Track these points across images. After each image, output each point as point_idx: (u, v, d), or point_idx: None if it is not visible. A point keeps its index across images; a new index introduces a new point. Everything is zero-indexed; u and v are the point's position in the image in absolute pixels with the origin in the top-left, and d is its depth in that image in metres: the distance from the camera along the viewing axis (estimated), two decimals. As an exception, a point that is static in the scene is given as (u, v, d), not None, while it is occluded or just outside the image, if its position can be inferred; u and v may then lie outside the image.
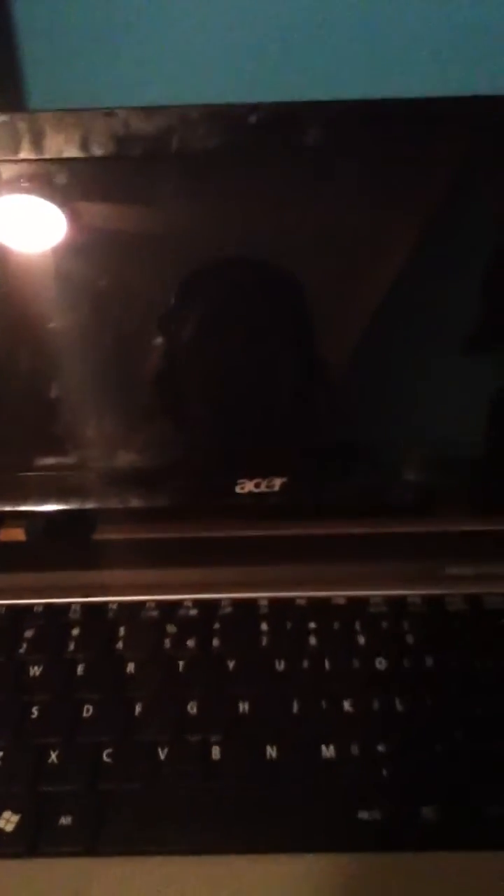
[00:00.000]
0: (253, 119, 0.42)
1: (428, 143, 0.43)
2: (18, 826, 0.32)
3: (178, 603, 0.41)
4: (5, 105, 0.53)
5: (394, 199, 0.44)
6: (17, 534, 0.46)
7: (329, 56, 0.52)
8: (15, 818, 0.32)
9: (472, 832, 0.32)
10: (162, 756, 0.35)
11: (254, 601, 0.42)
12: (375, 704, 0.37)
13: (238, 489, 0.45)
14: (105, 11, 0.51)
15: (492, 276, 0.44)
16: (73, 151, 0.42)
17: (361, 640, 0.40)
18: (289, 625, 0.41)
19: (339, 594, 0.42)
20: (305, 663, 0.39)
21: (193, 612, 0.41)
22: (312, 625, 0.40)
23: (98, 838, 0.32)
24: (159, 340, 0.45)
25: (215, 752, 0.35)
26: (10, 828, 0.32)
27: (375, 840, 0.32)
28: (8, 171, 0.43)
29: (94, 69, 0.52)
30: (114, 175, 0.43)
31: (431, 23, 0.50)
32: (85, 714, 0.36)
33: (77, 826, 0.32)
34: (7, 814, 0.32)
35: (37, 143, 0.42)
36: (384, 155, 0.43)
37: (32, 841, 0.32)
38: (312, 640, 0.40)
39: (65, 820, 0.32)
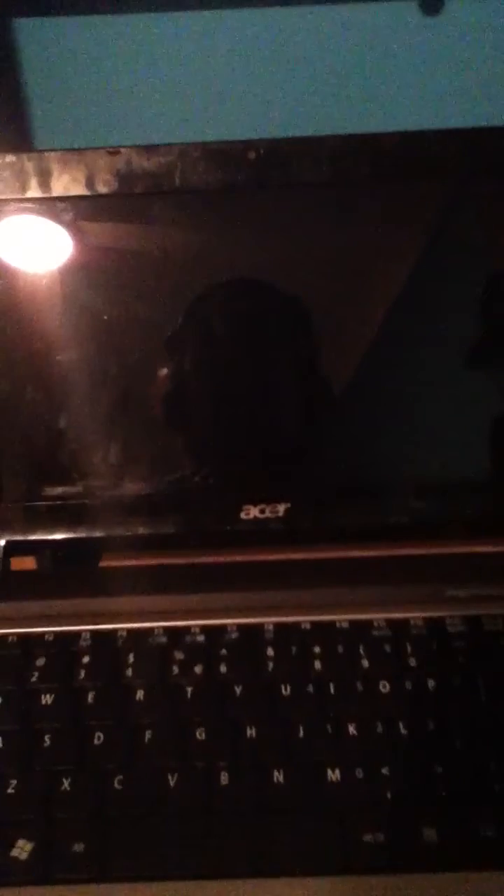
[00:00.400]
0: (251, 155, 0.43)
1: (425, 174, 0.44)
2: (32, 854, 0.33)
3: (186, 629, 0.42)
4: (11, 143, 0.54)
5: (392, 230, 0.45)
6: (28, 563, 0.47)
7: (328, 92, 0.53)
8: (29, 846, 0.33)
9: (470, 853, 0.33)
10: (171, 782, 0.35)
11: (259, 626, 0.42)
12: (379, 727, 0.37)
13: (243, 515, 0.46)
14: (108, 51, 0.53)
15: (490, 302, 0.45)
16: (78, 189, 0.44)
17: (365, 663, 0.40)
18: (294, 649, 0.41)
19: (343, 618, 0.43)
20: (311, 688, 0.39)
21: (200, 637, 0.42)
22: (317, 649, 0.41)
23: (109, 864, 0.33)
24: (163, 371, 0.46)
25: (223, 778, 0.36)
26: (24, 856, 0.33)
27: (380, 862, 0.33)
28: (17, 208, 0.44)
29: (97, 107, 0.54)
30: (118, 211, 0.44)
31: (427, 58, 0.52)
32: (95, 741, 0.37)
33: (88, 852, 0.33)
34: (21, 842, 0.33)
35: (44, 182, 0.43)
36: (381, 187, 0.44)
37: (45, 868, 0.32)
38: (317, 665, 0.40)
39: (77, 847, 0.33)
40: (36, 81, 0.53)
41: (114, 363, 0.46)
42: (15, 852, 0.33)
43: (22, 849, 0.33)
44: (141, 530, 0.46)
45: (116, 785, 0.35)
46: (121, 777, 0.36)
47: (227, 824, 0.34)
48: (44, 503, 0.46)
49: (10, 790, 0.35)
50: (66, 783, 0.35)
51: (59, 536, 0.46)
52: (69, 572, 0.47)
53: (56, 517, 0.46)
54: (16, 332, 0.45)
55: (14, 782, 0.35)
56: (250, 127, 0.49)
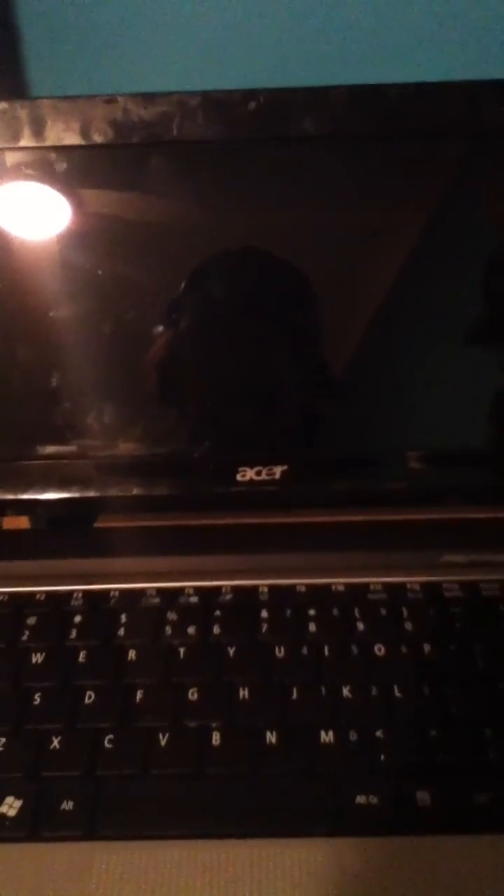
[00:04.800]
0: (252, 106, 0.42)
1: (430, 129, 0.43)
2: (20, 811, 0.33)
3: (179, 590, 0.42)
4: (6, 93, 0.52)
5: (396, 190, 0.44)
6: (21, 522, 0.47)
7: (331, 44, 0.51)
8: (17, 803, 0.33)
9: (463, 817, 0.33)
10: (162, 742, 0.35)
11: (254, 588, 0.42)
12: (374, 691, 0.37)
13: (239, 477, 0.46)
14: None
15: (493, 270, 0.44)
16: (73, 139, 0.42)
17: (360, 626, 0.40)
18: (288, 612, 0.41)
19: (339, 581, 0.42)
20: (305, 650, 0.39)
21: (194, 599, 0.42)
22: (312, 612, 0.41)
23: (98, 823, 0.32)
24: (160, 328, 0.45)
25: (215, 738, 0.35)
26: (12, 813, 0.32)
27: (372, 824, 0.33)
28: (9, 158, 0.43)
29: (94, 56, 0.52)
30: (114, 162, 0.43)
31: (434, 10, 0.50)
32: (86, 700, 0.37)
33: (78, 811, 0.33)
34: (10, 799, 0.33)
35: (37, 131, 0.42)
36: (385, 142, 0.43)
37: (34, 826, 0.32)
38: (312, 627, 0.40)
39: (66, 805, 0.33)
40: (32, 29, 0.52)
41: (109, 321, 0.45)
42: (3, 809, 0.33)
43: (10, 806, 0.33)
44: (136, 491, 0.46)
45: (107, 744, 0.35)
46: (111, 736, 0.35)
47: (218, 785, 0.34)
48: (37, 462, 0.45)
49: (-1, 747, 0.35)
50: (55, 742, 0.35)
51: (52, 496, 0.45)
52: (63, 533, 0.47)
53: (50, 476, 0.45)
54: (7, 288, 0.44)
55: (3, 740, 0.35)
56: (251, 78, 0.47)
